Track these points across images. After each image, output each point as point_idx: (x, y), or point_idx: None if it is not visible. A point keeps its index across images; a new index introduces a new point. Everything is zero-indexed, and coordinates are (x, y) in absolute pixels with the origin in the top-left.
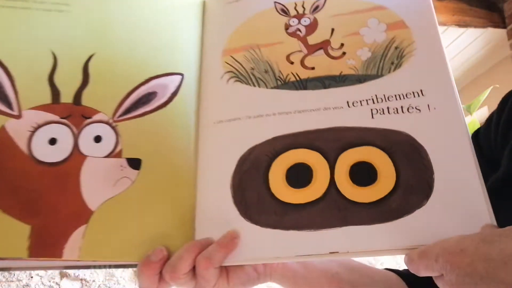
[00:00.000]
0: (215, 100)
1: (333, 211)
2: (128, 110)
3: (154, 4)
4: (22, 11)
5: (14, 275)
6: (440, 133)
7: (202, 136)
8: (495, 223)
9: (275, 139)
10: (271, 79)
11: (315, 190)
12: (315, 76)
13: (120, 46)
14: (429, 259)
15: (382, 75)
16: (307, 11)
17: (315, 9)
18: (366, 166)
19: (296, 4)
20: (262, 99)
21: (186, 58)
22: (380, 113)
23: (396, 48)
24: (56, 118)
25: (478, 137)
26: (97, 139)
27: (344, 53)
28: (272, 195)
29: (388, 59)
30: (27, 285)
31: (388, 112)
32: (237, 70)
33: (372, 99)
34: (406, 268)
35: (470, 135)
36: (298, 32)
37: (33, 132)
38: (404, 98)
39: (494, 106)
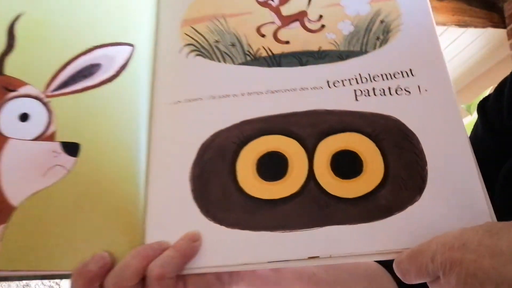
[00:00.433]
0: (172, 76)
1: (312, 208)
2: (64, 84)
3: None
4: None
5: None
6: (433, 118)
7: (155, 119)
8: (495, 219)
9: (243, 123)
10: (238, 54)
11: (290, 183)
12: (290, 52)
13: (57, 6)
14: (423, 258)
15: (366, 52)
16: None
17: None
18: (350, 156)
19: None
20: (228, 77)
21: (138, 26)
22: (364, 95)
23: (381, 21)
24: None
25: (485, 108)
26: (24, 117)
27: (323, 26)
28: (240, 189)
29: (373, 33)
30: (27, 285)
31: (374, 94)
32: (198, 42)
33: (356, 79)
34: None
35: (471, 126)
36: (270, 1)
37: None
38: (391, 78)
39: None
